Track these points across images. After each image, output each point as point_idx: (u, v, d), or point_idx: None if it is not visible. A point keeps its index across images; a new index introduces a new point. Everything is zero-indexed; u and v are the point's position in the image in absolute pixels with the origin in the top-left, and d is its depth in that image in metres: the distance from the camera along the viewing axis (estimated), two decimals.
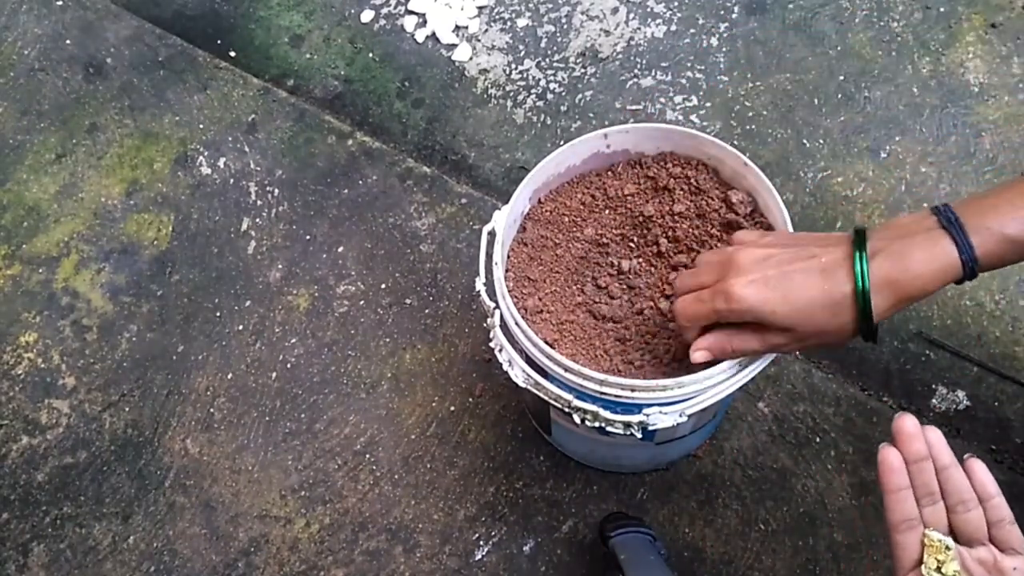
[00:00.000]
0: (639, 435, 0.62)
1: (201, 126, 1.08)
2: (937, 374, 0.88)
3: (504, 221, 0.67)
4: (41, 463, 0.90)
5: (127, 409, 0.92)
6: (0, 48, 1.16)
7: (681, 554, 0.81)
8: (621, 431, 0.61)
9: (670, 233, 0.69)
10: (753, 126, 1.03)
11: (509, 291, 0.65)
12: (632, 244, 0.71)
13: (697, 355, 0.58)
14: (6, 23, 1.18)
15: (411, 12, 1.15)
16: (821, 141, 1.01)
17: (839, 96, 1.04)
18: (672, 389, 0.59)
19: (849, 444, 0.84)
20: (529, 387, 0.63)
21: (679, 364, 0.64)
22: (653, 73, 1.08)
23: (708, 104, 1.05)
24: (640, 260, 0.70)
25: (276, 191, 1.03)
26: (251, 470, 0.88)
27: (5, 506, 0.88)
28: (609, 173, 0.72)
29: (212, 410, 0.91)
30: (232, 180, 1.04)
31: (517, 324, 0.61)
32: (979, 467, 0.49)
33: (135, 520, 0.87)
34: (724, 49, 1.09)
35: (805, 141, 1.01)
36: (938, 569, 0.47)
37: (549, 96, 1.08)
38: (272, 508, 0.86)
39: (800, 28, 1.09)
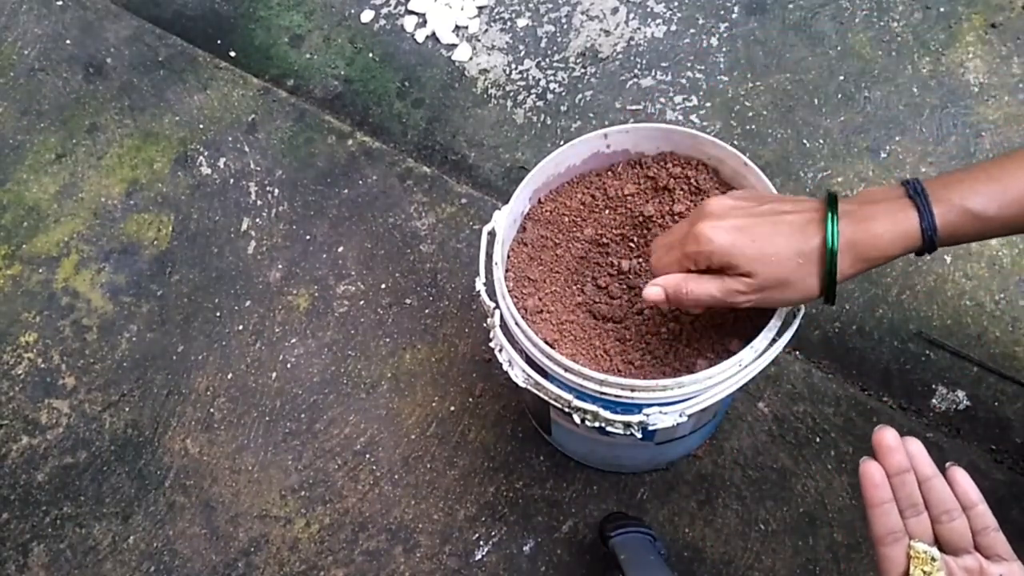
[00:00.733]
0: (639, 435, 0.62)
1: (201, 126, 1.08)
2: (937, 374, 0.88)
3: (504, 221, 0.67)
4: (41, 463, 0.90)
5: (127, 409, 0.92)
6: (0, 48, 1.16)
7: (681, 554, 0.81)
8: (621, 431, 0.61)
9: None
10: (753, 126, 1.03)
11: (509, 291, 0.65)
12: (632, 244, 0.71)
13: (650, 291, 0.58)
14: (6, 23, 1.18)
15: (411, 12, 1.15)
16: (821, 141, 1.01)
17: (839, 96, 1.04)
18: (672, 389, 0.59)
19: (849, 444, 0.84)
20: (529, 387, 0.63)
21: (680, 364, 0.64)
22: (653, 73, 1.08)
23: (708, 104, 1.05)
24: (640, 260, 0.70)
25: (276, 191, 1.03)
26: (251, 470, 0.88)
27: (5, 506, 0.88)
28: (609, 173, 0.72)
29: (212, 410, 0.91)
30: (232, 180, 1.04)
31: (517, 324, 0.61)
32: (961, 476, 0.49)
33: (135, 520, 0.87)
34: (724, 49, 1.09)
35: (805, 141, 1.01)
36: None
37: (549, 96, 1.08)
38: (272, 508, 0.86)
39: (800, 28, 1.09)
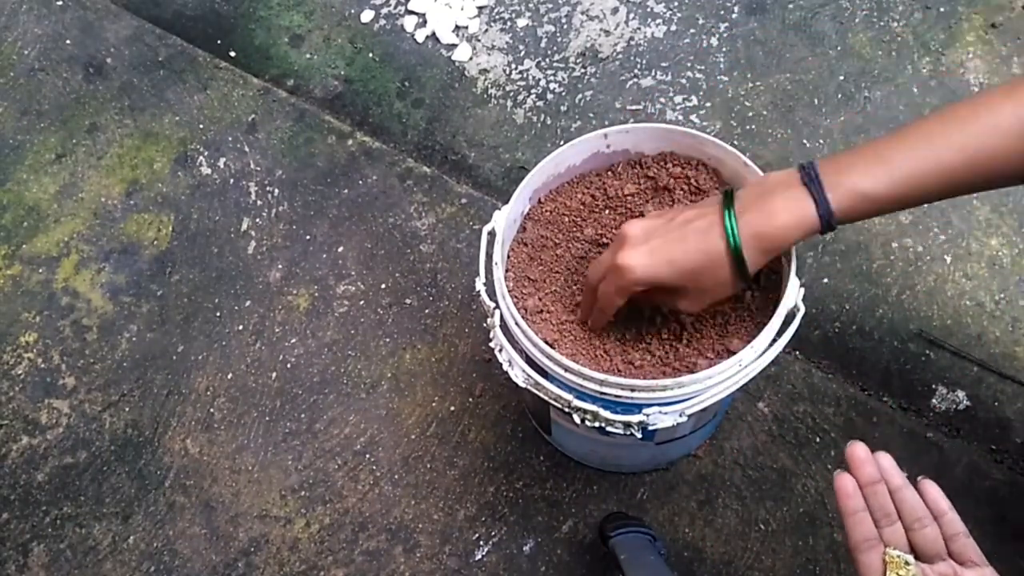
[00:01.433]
0: (639, 435, 0.62)
1: (201, 126, 1.08)
2: (937, 374, 0.88)
3: (504, 221, 0.67)
4: (41, 463, 0.90)
5: (127, 409, 0.92)
6: (0, 48, 1.16)
7: (681, 554, 0.81)
8: (621, 431, 0.61)
9: None
10: (753, 126, 1.03)
11: (509, 291, 0.65)
12: None
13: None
14: (6, 23, 1.18)
15: (411, 12, 1.15)
16: (821, 141, 1.01)
17: (839, 96, 1.04)
18: (672, 389, 0.59)
19: None
20: (529, 387, 0.63)
21: (680, 364, 0.64)
22: (653, 73, 1.08)
23: (708, 104, 1.05)
24: None
25: (276, 191, 1.03)
26: (251, 470, 0.88)
27: (5, 506, 0.88)
28: (609, 173, 0.72)
29: (212, 410, 0.91)
30: (232, 180, 1.04)
31: (517, 324, 0.61)
32: (931, 487, 0.52)
33: (135, 520, 0.87)
34: (724, 49, 1.09)
35: (805, 141, 1.01)
36: None
37: (549, 96, 1.08)
38: (272, 508, 0.86)
39: (800, 28, 1.09)
